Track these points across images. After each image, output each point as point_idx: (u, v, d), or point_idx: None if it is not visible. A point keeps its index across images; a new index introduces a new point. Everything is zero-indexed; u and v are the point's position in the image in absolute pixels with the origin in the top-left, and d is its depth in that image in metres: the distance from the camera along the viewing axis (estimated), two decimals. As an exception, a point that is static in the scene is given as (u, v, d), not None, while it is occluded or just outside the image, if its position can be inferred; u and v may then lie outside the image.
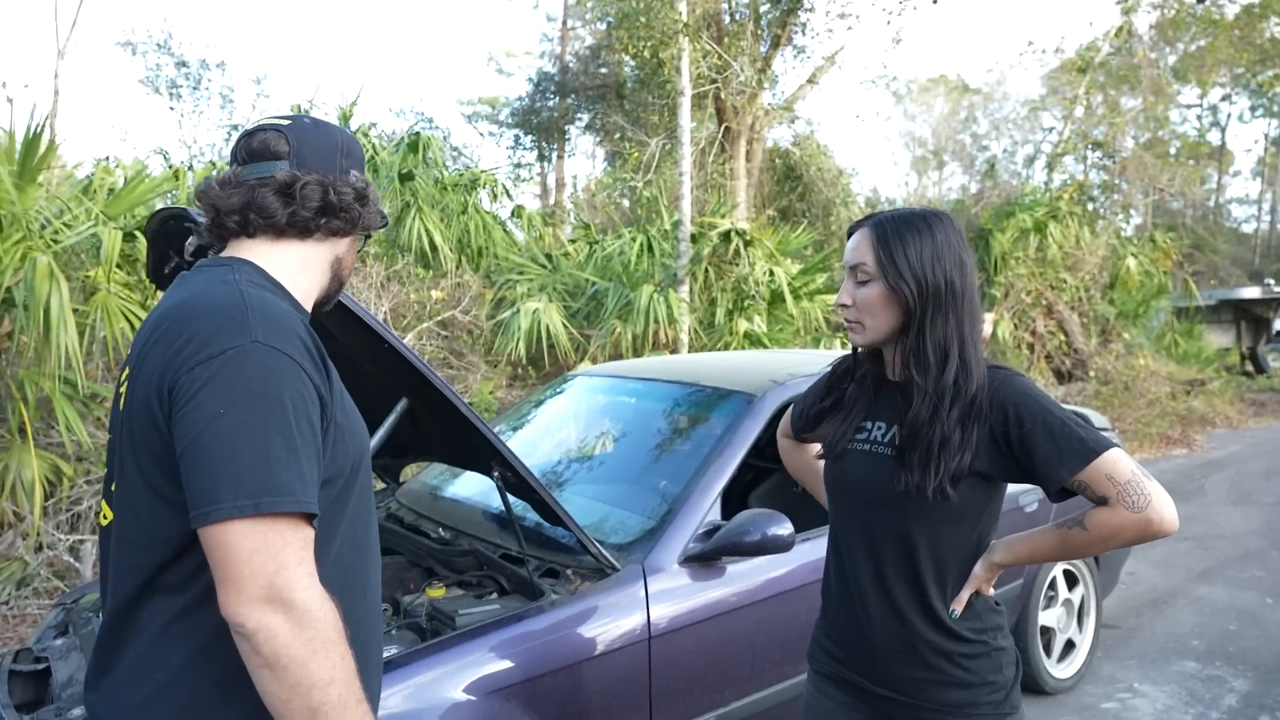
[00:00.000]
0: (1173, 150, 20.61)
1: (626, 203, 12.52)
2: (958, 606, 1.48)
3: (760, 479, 3.54)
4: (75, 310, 4.29)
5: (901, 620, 1.48)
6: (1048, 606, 3.41)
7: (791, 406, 1.81)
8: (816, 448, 1.83)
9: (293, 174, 1.21)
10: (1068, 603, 3.50)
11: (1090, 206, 14.27)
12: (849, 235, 1.53)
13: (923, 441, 1.40)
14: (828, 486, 1.61)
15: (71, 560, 4.28)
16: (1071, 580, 3.54)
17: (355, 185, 1.26)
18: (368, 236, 1.35)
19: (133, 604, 1.10)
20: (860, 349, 1.56)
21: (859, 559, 1.52)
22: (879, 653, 1.51)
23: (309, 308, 1.27)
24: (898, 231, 1.45)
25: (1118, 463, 1.35)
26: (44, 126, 4.62)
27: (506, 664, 1.87)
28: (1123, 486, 1.34)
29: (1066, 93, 15.80)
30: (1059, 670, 3.46)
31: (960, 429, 1.39)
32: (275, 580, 0.98)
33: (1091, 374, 11.48)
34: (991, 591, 1.54)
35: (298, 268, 1.25)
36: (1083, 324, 12.01)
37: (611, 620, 2.04)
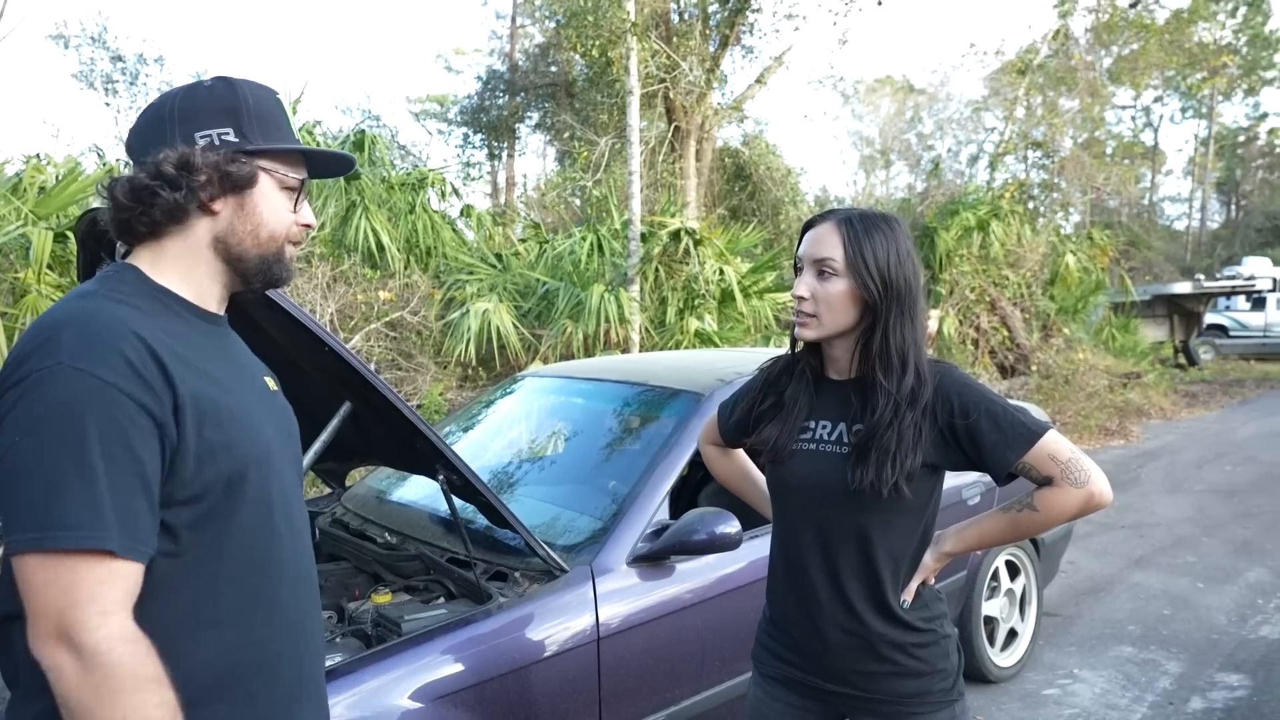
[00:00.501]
0: (1109, 150, 21.22)
1: (577, 202, 12.50)
2: (908, 597, 1.52)
3: (709, 478, 3.56)
4: (3, 313, 4.15)
5: (855, 616, 1.50)
6: (990, 597, 3.49)
7: (716, 414, 1.80)
8: (740, 453, 1.85)
9: (118, 174, 1.17)
10: (1010, 592, 3.59)
11: (1031, 205, 14.66)
12: (806, 229, 1.52)
13: (880, 441, 1.42)
14: (774, 488, 1.61)
15: None
16: (1014, 570, 3.63)
17: (181, 153, 1.11)
18: (299, 185, 1.20)
19: (5, 625, 1.05)
20: (801, 345, 1.57)
21: (810, 558, 1.53)
22: (832, 649, 1.52)
23: (214, 301, 1.19)
24: (866, 229, 1.46)
25: (1058, 443, 1.44)
26: (-32, 123, 4.46)
27: (454, 669, 1.85)
28: (1065, 465, 1.43)
29: (1007, 94, 16.18)
30: (1002, 659, 3.54)
31: (914, 428, 1.43)
32: (63, 619, 0.93)
33: (1034, 368, 11.78)
34: (934, 581, 1.58)
35: (183, 264, 1.16)
36: (1025, 320, 12.31)
37: (560, 622, 2.04)
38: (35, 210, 4.97)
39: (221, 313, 1.23)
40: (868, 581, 1.50)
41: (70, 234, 4.68)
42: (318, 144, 8.79)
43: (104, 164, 7.79)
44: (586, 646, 2.06)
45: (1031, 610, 3.68)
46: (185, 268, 1.17)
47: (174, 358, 1.05)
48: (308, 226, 1.24)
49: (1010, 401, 1.52)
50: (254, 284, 1.21)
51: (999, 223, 11.97)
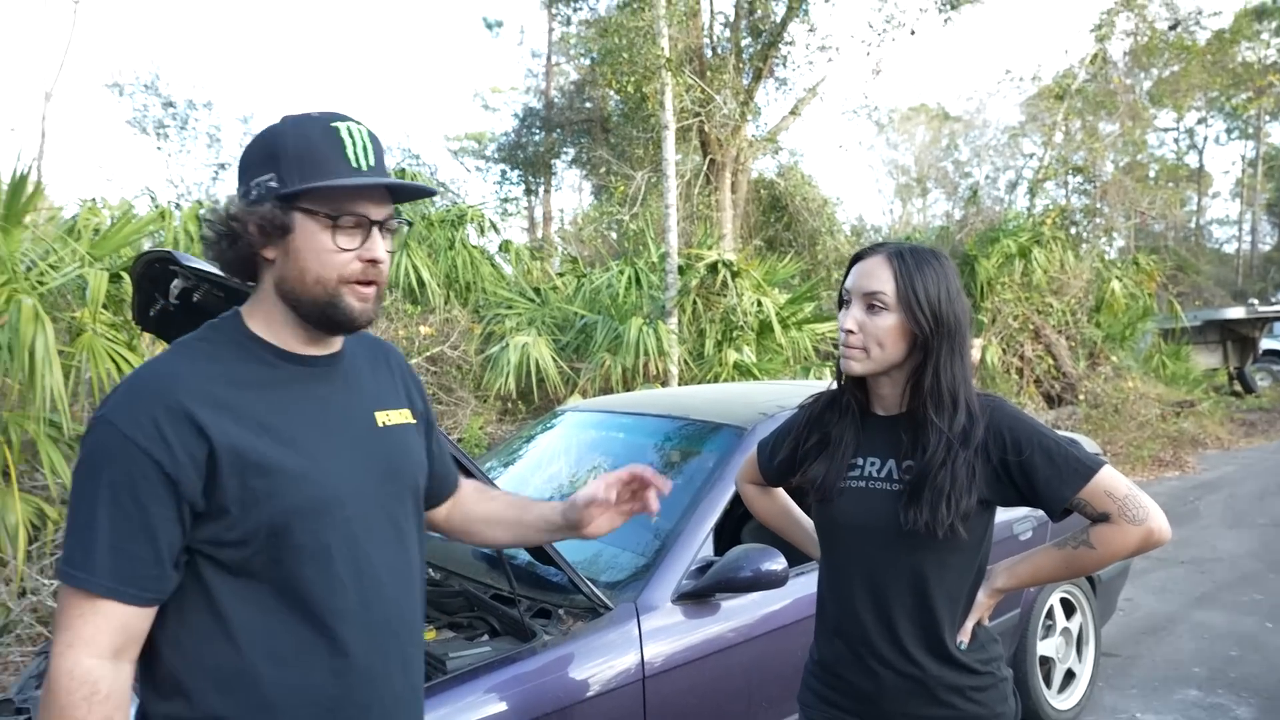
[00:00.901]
0: (1152, 173, 20.90)
1: (614, 235, 12.59)
2: (964, 637, 1.48)
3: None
4: (60, 351, 4.26)
5: (910, 658, 1.46)
6: (1046, 636, 3.38)
7: (756, 453, 1.76)
8: (781, 491, 1.82)
9: None
10: (1066, 631, 3.47)
11: (1073, 231, 14.43)
12: (854, 261, 1.50)
13: (935, 481, 1.39)
14: (822, 527, 1.58)
15: (55, 605, 4.20)
16: (1069, 608, 3.52)
17: (230, 205, 1.16)
18: (354, 222, 1.15)
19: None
20: (845, 379, 1.54)
21: (861, 598, 1.49)
22: (886, 692, 1.48)
23: (299, 344, 1.21)
24: (918, 263, 1.43)
25: (1114, 479, 1.41)
26: (30, 169, 4.62)
27: (499, 707, 1.83)
28: (1122, 501, 1.39)
29: (1045, 119, 16.04)
30: (1060, 701, 3.42)
31: (968, 467, 1.40)
32: (55, 641, 1.07)
33: (1081, 397, 11.52)
34: (987, 620, 1.53)
35: (263, 310, 1.21)
36: (1070, 347, 12.07)
37: (605, 660, 2.01)
38: (91, 252, 5.11)
39: (319, 353, 1.23)
40: (923, 622, 1.45)
41: (124, 274, 4.81)
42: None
43: (156, 206, 8.02)
44: (632, 685, 2.03)
45: (1089, 650, 3.56)
46: (265, 313, 1.21)
47: (221, 412, 1.11)
48: (373, 262, 1.17)
49: (1062, 434, 1.49)
50: (320, 329, 1.20)
51: (1041, 249, 11.80)
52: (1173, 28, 14.37)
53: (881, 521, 1.44)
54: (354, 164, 1.15)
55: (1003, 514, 1.98)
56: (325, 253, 1.15)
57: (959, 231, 14.38)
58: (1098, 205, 15.47)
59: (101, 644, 1.06)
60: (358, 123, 1.19)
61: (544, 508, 1.50)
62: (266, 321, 1.20)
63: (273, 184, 1.14)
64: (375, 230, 1.18)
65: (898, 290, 1.42)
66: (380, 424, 1.27)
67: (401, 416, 1.31)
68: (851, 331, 1.45)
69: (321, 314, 1.18)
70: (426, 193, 1.27)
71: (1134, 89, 15.93)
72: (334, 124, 1.16)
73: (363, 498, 1.20)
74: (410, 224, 1.41)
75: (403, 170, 9.44)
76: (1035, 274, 11.64)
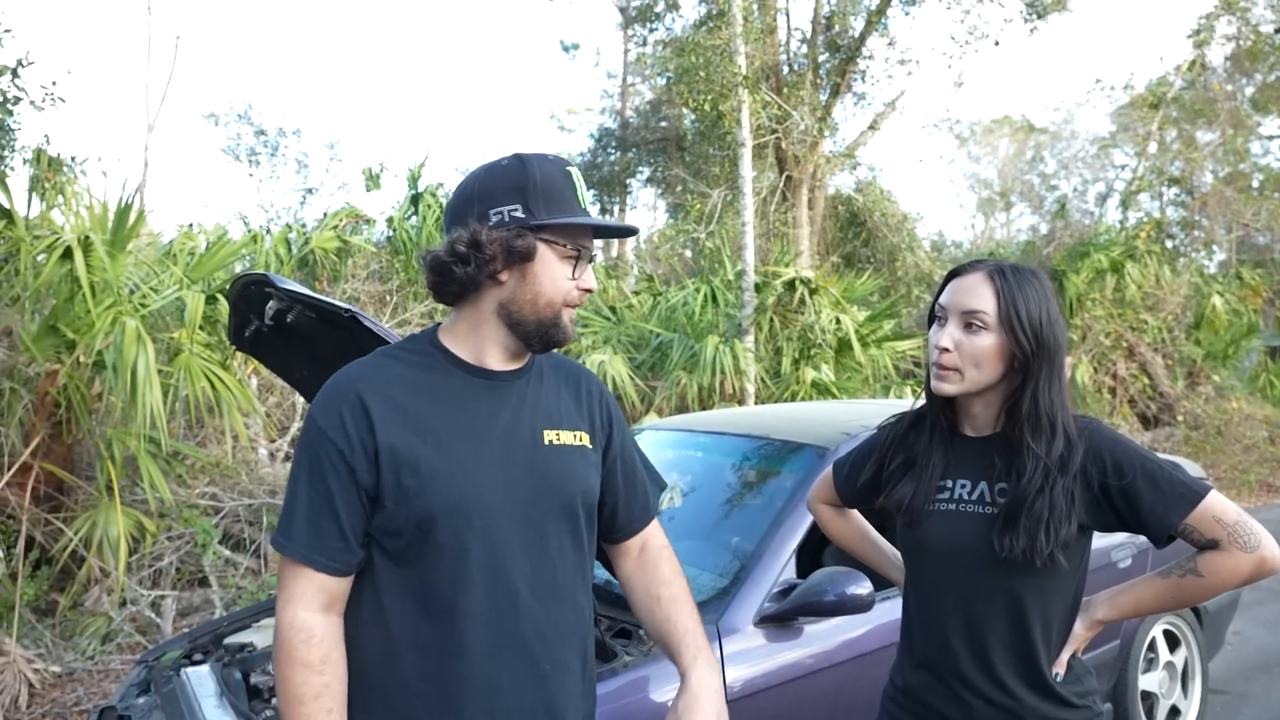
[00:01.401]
0: (1256, 183, 19.89)
1: (689, 254, 12.59)
2: (1059, 669, 1.40)
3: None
4: (159, 371, 4.46)
5: (1003, 688, 1.39)
6: (1148, 670, 3.20)
7: (832, 474, 1.72)
8: (858, 514, 1.76)
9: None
10: (1170, 665, 3.29)
11: (1169, 244, 13.83)
12: (951, 277, 1.45)
13: (1032, 509, 1.33)
14: (908, 551, 1.52)
15: (153, 616, 4.37)
16: (1173, 641, 3.33)
17: (471, 231, 1.25)
18: (578, 253, 1.30)
19: None
20: (937, 400, 1.49)
21: (951, 624, 1.43)
22: None
23: (493, 360, 1.32)
24: (1019, 282, 1.38)
25: (1222, 504, 1.34)
26: (134, 197, 4.87)
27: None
28: (1232, 528, 1.32)
29: (1138, 129, 15.43)
30: (1164, 739, 3.23)
31: (1067, 493, 1.33)
32: (277, 598, 1.25)
33: (1179, 418, 10.99)
34: (1082, 652, 1.46)
35: (467, 325, 1.32)
36: (1167, 366, 11.53)
37: (685, 684, 1.97)
38: (188, 275, 5.35)
39: (505, 368, 1.33)
40: (1019, 651, 1.39)
41: (220, 296, 5.02)
42: (440, 205, 9.19)
43: (248, 231, 8.36)
44: (713, 711, 1.98)
45: (1196, 686, 3.36)
46: (468, 329, 1.32)
47: (393, 412, 1.25)
48: (588, 290, 1.32)
49: (1163, 458, 1.40)
50: (533, 346, 1.32)
51: (1134, 264, 11.33)
52: (1279, 30, 13.69)
53: (973, 545, 1.39)
54: (582, 204, 1.31)
55: (1100, 540, 1.89)
56: (561, 280, 1.29)
57: (1046, 246, 13.93)
58: (1196, 217, 14.79)
59: (310, 600, 1.22)
60: (578, 168, 1.34)
61: (666, 637, 1.43)
62: (467, 337, 1.33)
63: (519, 214, 1.25)
64: (589, 264, 1.34)
65: (999, 310, 1.37)
66: (547, 441, 1.33)
67: (574, 438, 1.37)
68: (946, 350, 1.39)
69: (544, 332, 1.30)
70: (629, 231, 1.41)
71: (1235, 95, 15.22)
72: (568, 168, 1.32)
73: (509, 508, 1.26)
74: (593, 258, 1.55)
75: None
76: (1128, 289, 11.17)
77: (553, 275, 1.28)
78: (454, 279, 1.27)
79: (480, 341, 1.31)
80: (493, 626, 1.24)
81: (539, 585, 1.28)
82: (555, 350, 1.39)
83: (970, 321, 1.38)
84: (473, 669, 1.24)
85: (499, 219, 1.25)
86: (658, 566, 1.52)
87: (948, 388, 1.41)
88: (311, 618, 1.22)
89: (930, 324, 1.47)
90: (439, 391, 1.28)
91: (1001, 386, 1.40)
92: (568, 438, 1.35)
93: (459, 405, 1.28)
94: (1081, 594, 1.45)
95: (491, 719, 1.24)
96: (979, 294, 1.38)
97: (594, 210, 1.35)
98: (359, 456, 1.22)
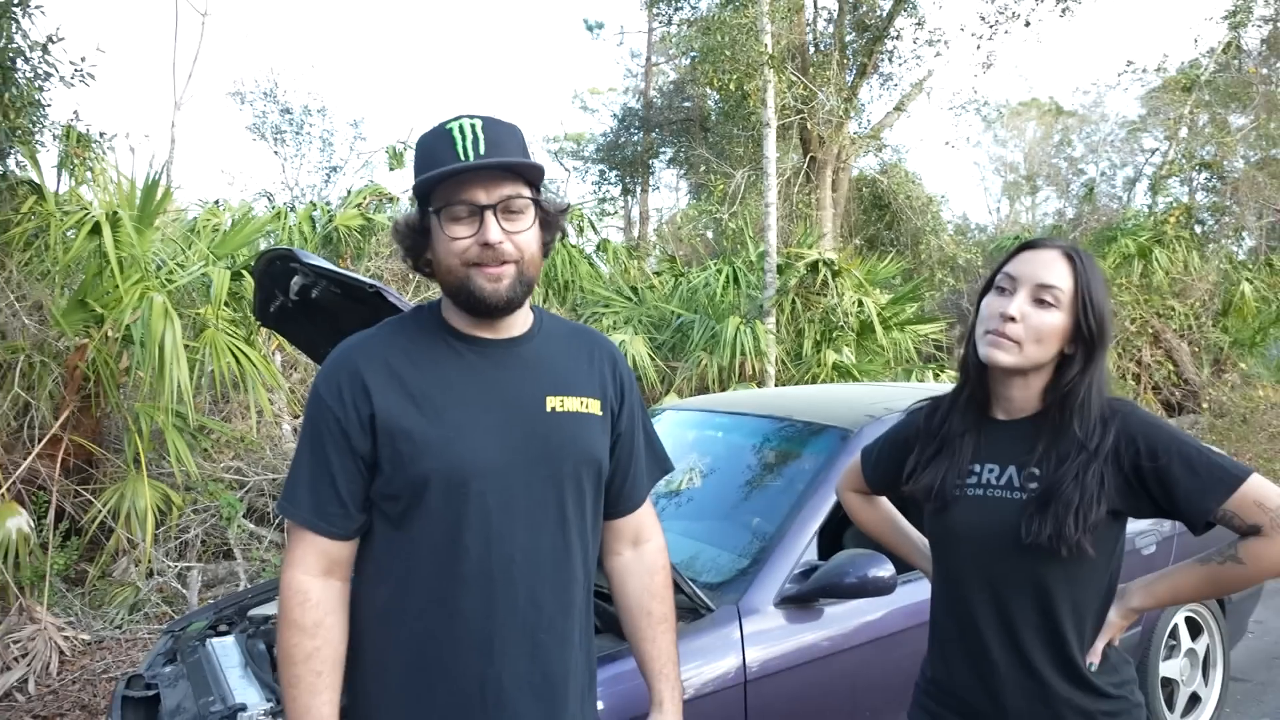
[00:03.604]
0: (1289, 169, 19.48)
1: (711, 235, 12.52)
2: (1094, 659, 1.38)
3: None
4: (186, 346, 4.50)
5: (1036, 678, 1.37)
6: (1169, 657, 3.19)
7: (860, 461, 1.70)
8: (885, 501, 1.74)
9: None
10: (1191, 653, 3.27)
11: (1199, 230, 13.59)
12: (1023, 248, 1.41)
13: (1063, 494, 1.31)
14: (936, 538, 1.50)
15: (179, 587, 4.45)
16: (1194, 628, 3.31)
17: (396, 224, 1.34)
18: (436, 212, 1.25)
19: None
20: (971, 377, 1.46)
21: (982, 614, 1.41)
22: (1010, 716, 1.39)
23: (474, 328, 1.32)
24: (1091, 267, 1.37)
25: (1264, 488, 1.28)
26: (161, 174, 4.90)
27: (599, 706, 1.83)
28: (1275, 513, 1.27)
29: (1169, 113, 15.15)
30: (1183, 726, 3.22)
31: (1098, 477, 1.31)
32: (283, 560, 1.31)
33: (1204, 406, 10.85)
34: (1118, 641, 1.43)
35: (445, 299, 1.35)
36: (1193, 353, 11.38)
37: (706, 662, 1.99)
38: (214, 251, 5.40)
39: (491, 336, 1.32)
40: (1050, 640, 1.37)
41: (245, 272, 5.06)
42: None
43: (273, 208, 8.40)
44: (733, 689, 2.00)
45: (1217, 674, 3.34)
46: (446, 302, 1.35)
47: (391, 381, 1.26)
48: (487, 244, 1.23)
49: (1203, 443, 1.37)
50: (469, 313, 1.31)
51: (1162, 249, 11.16)
52: (1317, 11, 13.36)
53: (1002, 531, 1.36)
54: (461, 157, 1.21)
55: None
56: (445, 242, 1.26)
57: (1072, 230, 13.75)
58: (1227, 203, 14.52)
59: (310, 564, 1.26)
60: (473, 117, 1.24)
61: (648, 660, 1.51)
62: (448, 309, 1.35)
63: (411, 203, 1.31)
64: (489, 214, 1.23)
65: (1075, 290, 1.35)
66: (549, 408, 1.31)
67: (580, 405, 1.35)
68: (1013, 319, 1.34)
69: (462, 298, 1.28)
70: (531, 167, 1.26)
71: (1270, 79, 14.90)
72: (449, 125, 1.24)
73: (506, 475, 1.26)
74: (567, 206, 1.46)
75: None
76: (1156, 275, 11.01)
77: (441, 240, 1.26)
78: (411, 265, 1.34)
79: (452, 313, 1.34)
80: (487, 593, 1.25)
81: (537, 553, 1.28)
82: (555, 317, 1.45)
83: (1044, 297, 1.35)
84: (468, 633, 1.25)
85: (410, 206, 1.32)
86: (653, 575, 1.52)
87: (1004, 357, 1.35)
88: (310, 582, 1.25)
89: (986, 292, 1.42)
90: (438, 360, 1.30)
91: (1047, 368, 1.38)
92: (573, 404, 1.33)
93: (456, 374, 1.29)
94: (1116, 582, 1.42)
95: (484, 685, 1.25)
96: (1057, 270, 1.35)
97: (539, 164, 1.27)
98: (354, 424, 1.25)
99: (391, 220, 8.54)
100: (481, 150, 1.22)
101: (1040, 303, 1.35)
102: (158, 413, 4.47)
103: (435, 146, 1.24)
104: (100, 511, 4.34)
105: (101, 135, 5.35)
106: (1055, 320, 1.34)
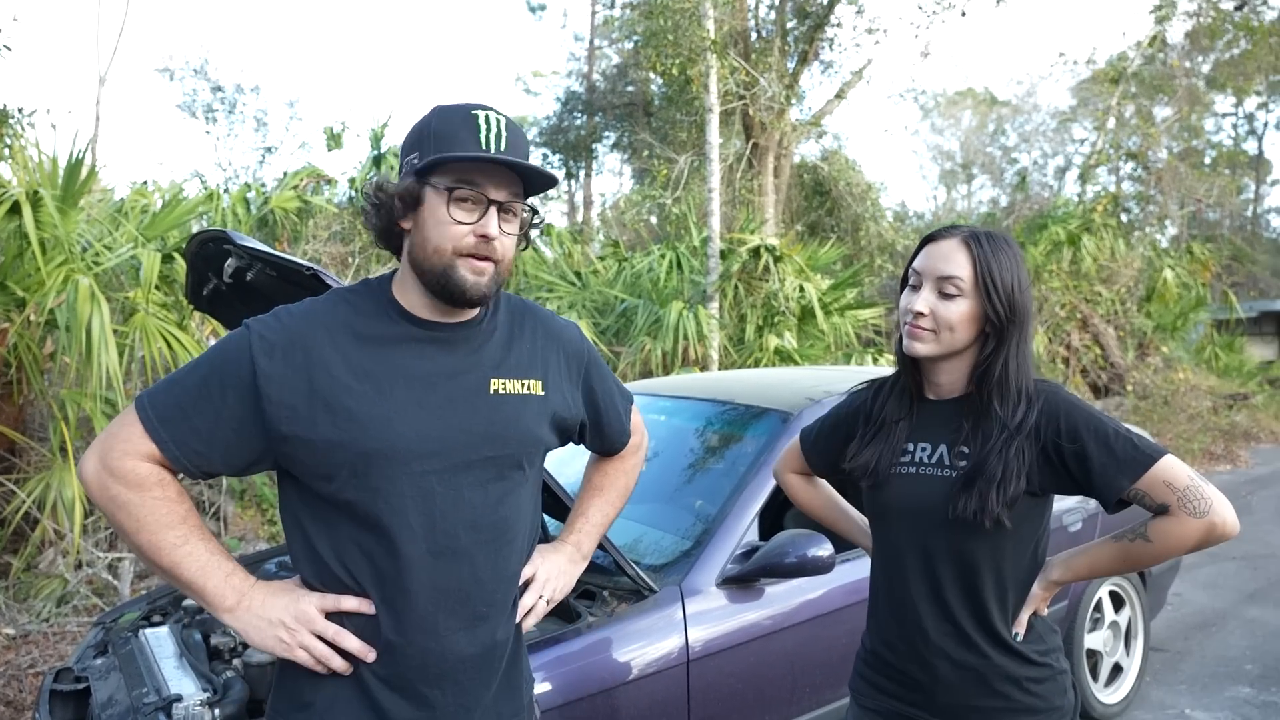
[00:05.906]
0: (1208, 160, 20.28)
1: (655, 220, 12.54)
2: (1019, 628, 1.44)
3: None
4: (115, 331, 4.36)
5: (967, 645, 1.43)
6: (1094, 629, 3.32)
7: (799, 442, 1.73)
8: (824, 482, 1.78)
9: None
10: (1114, 625, 3.41)
11: (1125, 218, 14.08)
12: (926, 242, 1.46)
13: (987, 469, 1.36)
14: (873, 513, 1.55)
15: (110, 578, 4.32)
16: (1118, 602, 3.45)
17: (378, 181, 1.29)
18: (469, 197, 1.24)
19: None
20: (904, 363, 1.51)
21: (915, 586, 1.46)
22: (941, 682, 1.45)
23: (427, 311, 1.29)
24: (994, 249, 1.40)
25: (1174, 469, 1.33)
26: (85, 152, 4.71)
27: (543, 687, 1.84)
28: (1183, 493, 1.32)
29: (1098, 104, 15.64)
30: (1106, 695, 3.36)
31: (1019, 453, 1.36)
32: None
33: (1129, 388, 11.29)
34: (1045, 611, 1.50)
35: (402, 276, 1.31)
36: (1119, 337, 11.82)
37: (649, 643, 2.01)
38: (144, 233, 5.22)
39: (444, 320, 1.30)
40: (975, 610, 1.43)
41: (176, 255, 4.91)
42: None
43: (205, 189, 8.16)
44: (676, 669, 2.03)
45: (1138, 644, 3.50)
46: (402, 280, 1.31)
47: (334, 355, 1.23)
48: (485, 238, 1.23)
49: (1123, 424, 1.44)
50: (439, 298, 1.27)
51: (1091, 237, 11.54)
52: (1239, 7, 13.88)
53: (932, 507, 1.42)
54: (483, 145, 1.23)
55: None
56: (442, 224, 1.23)
57: (1006, 218, 14.12)
58: (1151, 192, 15.06)
59: (125, 453, 1.19)
60: (500, 114, 1.26)
61: (574, 524, 1.59)
62: (402, 287, 1.30)
63: (415, 162, 1.24)
64: (493, 209, 1.24)
65: (975, 276, 1.39)
66: (493, 391, 1.31)
67: (522, 387, 1.35)
68: (922, 314, 1.40)
69: (438, 283, 1.25)
70: (549, 179, 1.30)
71: (1192, 72, 15.46)
72: (475, 111, 1.25)
73: (446, 455, 1.26)
74: (542, 220, 1.46)
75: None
76: (1084, 262, 11.39)
77: (438, 219, 1.23)
78: (373, 228, 1.30)
79: (409, 292, 1.29)
80: (430, 570, 1.25)
81: (479, 531, 1.29)
82: (506, 301, 1.40)
83: (945, 289, 1.40)
84: (413, 610, 1.25)
85: (406, 169, 1.26)
86: (612, 462, 1.63)
87: (921, 347, 1.42)
88: (150, 470, 1.20)
89: (903, 288, 1.48)
90: (382, 339, 1.26)
91: (971, 351, 1.43)
92: (514, 387, 1.34)
93: (401, 354, 1.27)
94: (1043, 557, 1.48)
95: (427, 659, 1.26)
96: (955, 260, 1.40)
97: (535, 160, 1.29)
98: (276, 388, 1.19)
99: (330, 202, 8.38)
100: (503, 147, 1.24)
101: (944, 294, 1.40)
102: (85, 399, 4.32)
103: (458, 127, 1.23)
104: (25, 502, 4.19)
105: (20, 111, 5.13)
106: (961, 308, 1.39)
